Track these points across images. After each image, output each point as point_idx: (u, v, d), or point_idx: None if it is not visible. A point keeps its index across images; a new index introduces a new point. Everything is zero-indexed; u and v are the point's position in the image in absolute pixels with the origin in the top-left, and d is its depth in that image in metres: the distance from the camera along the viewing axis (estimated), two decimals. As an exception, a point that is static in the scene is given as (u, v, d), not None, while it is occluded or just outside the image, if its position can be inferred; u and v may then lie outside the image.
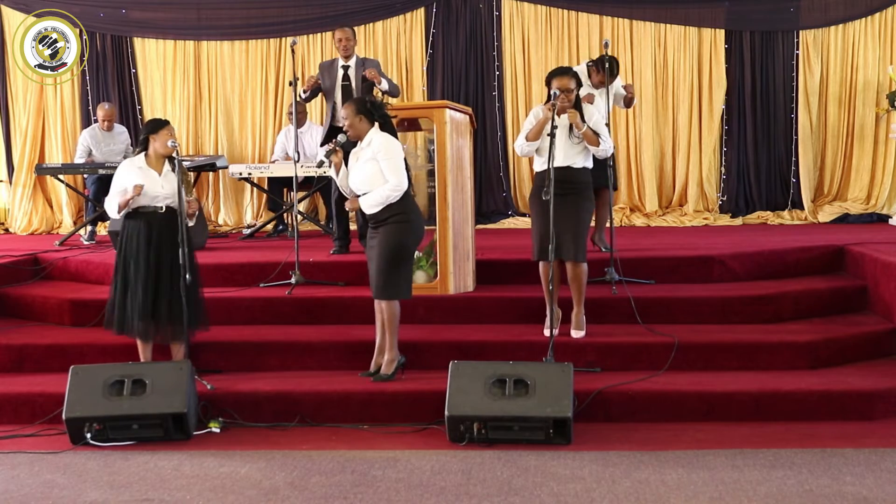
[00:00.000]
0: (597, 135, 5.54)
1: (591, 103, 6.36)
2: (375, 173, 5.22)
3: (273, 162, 9.08)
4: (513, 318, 6.06)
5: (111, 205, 5.40)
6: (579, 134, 5.51)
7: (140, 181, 5.30)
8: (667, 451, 4.58)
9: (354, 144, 5.42)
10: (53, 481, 4.39)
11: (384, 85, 7.02)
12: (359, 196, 5.30)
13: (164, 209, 5.35)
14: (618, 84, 6.98)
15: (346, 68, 7.25)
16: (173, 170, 5.37)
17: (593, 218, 6.38)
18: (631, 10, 9.55)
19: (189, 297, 5.30)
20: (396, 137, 5.34)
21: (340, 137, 5.45)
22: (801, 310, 6.08)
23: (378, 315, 5.38)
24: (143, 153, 5.42)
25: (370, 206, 5.25)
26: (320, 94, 7.46)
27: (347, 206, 5.43)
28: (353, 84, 7.20)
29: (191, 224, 5.41)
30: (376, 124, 5.29)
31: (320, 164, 5.63)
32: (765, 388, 5.12)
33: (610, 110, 6.73)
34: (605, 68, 6.71)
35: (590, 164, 5.69)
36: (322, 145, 7.39)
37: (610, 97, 6.78)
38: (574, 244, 5.55)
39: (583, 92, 6.02)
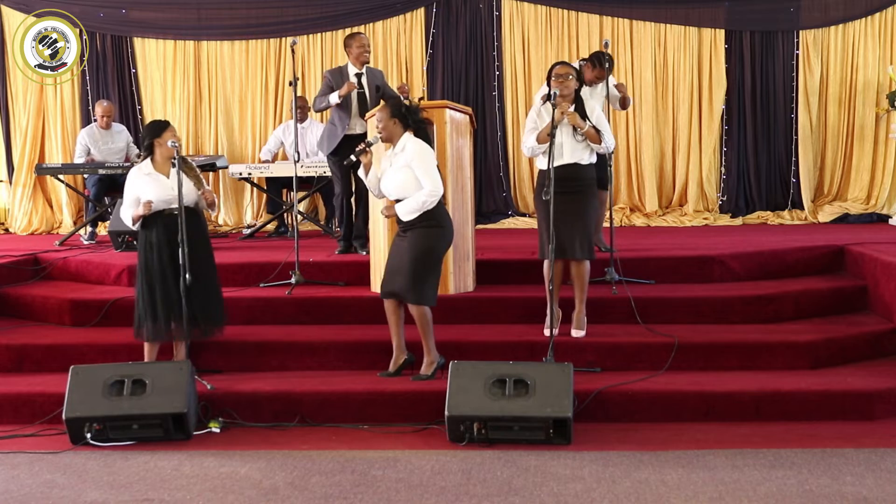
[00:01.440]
0: (598, 132, 5.56)
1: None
2: (408, 180, 5.23)
3: (264, 162, 9.07)
4: (513, 318, 6.06)
5: (127, 216, 5.45)
6: (582, 133, 5.53)
7: (150, 190, 5.34)
8: (667, 451, 4.58)
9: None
10: (53, 481, 4.39)
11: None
12: (393, 201, 5.28)
13: (177, 210, 5.35)
14: (610, 83, 6.97)
15: (359, 76, 7.22)
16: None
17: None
18: (631, 10, 9.55)
19: (214, 294, 5.39)
20: (431, 143, 5.35)
21: (372, 138, 5.47)
22: (802, 310, 6.09)
23: (391, 315, 5.38)
24: (149, 158, 5.45)
25: (407, 213, 5.24)
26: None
27: (383, 212, 5.40)
28: (367, 92, 7.20)
29: (213, 213, 5.43)
30: (410, 130, 5.30)
31: (350, 163, 5.61)
32: (765, 388, 5.12)
33: (609, 111, 6.74)
34: (600, 64, 6.73)
35: (594, 160, 5.70)
36: (334, 154, 7.32)
37: (609, 91, 6.79)
38: (579, 241, 5.56)
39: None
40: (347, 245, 7.33)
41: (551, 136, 5.34)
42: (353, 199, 7.42)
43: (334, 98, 7.13)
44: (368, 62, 7.29)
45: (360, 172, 5.54)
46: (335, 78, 7.27)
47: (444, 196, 5.38)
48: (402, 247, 5.32)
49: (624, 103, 7.02)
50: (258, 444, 4.86)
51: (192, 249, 5.27)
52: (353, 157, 5.49)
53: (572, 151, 5.57)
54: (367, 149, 5.43)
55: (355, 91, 7.16)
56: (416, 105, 5.45)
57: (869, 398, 5.06)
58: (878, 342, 5.77)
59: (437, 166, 5.34)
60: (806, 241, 7.24)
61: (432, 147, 5.36)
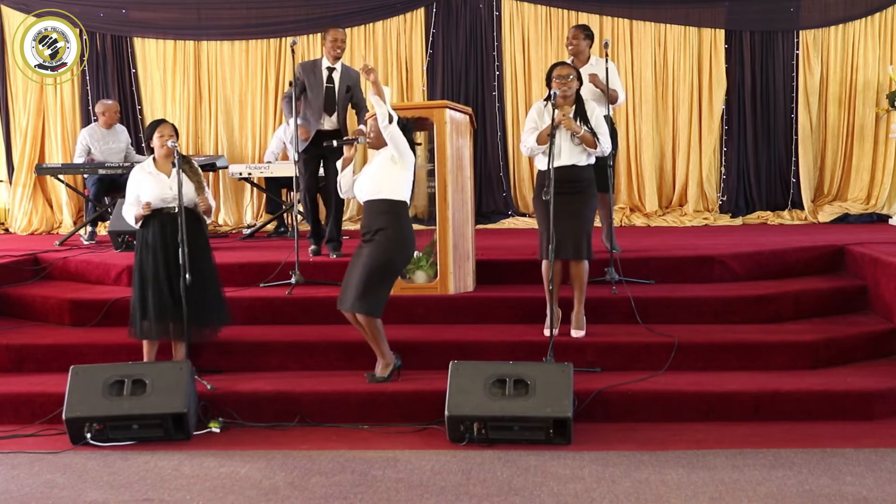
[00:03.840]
0: (594, 136, 5.56)
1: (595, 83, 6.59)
2: (383, 172, 5.24)
3: (268, 163, 9.06)
4: (513, 318, 6.06)
5: (128, 215, 5.47)
6: (577, 137, 5.53)
7: (150, 189, 5.37)
8: (667, 451, 4.58)
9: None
10: (53, 481, 4.39)
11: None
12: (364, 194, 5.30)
13: (175, 210, 5.36)
14: (611, 69, 6.88)
15: (331, 70, 7.16)
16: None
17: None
18: (631, 10, 9.56)
19: (211, 295, 5.39)
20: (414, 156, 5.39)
21: (361, 139, 5.47)
22: (802, 310, 6.09)
23: (356, 325, 5.35)
24: (151, 157, 5.52)
25: (380, 105, 5.17)
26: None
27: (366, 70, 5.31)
28: (337, 88, 7.13)
29: (208, 220, 5.48)
30: None
31: (329, 145, 5.60)
32: (765, 388, 5.12)
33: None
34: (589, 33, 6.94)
35: (593, 161, 5.70)
36: (305, 151, 7.12)
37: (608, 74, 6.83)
38: (577, 242, 5.56)
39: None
40: (319, 244, 7.26)
41: (551, 136, 5.35)
42: (320, 199, 7.35)
43: (292, 122, 7.03)
44: (341, 57, 7.20)
45: (339, 164, 5.53)
46: (306, 72, 7.14)
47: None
48: (360, 256, 5.28)
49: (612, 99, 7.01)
50: (258, 444, 4.86)
51: (189, 250, 5.28)
52: (334, 143, 5.48)
53: (570, 153, 5.57)
54: (355, 143, 5.44)
55: (324, 86, 7.06)
56: (410, 124, 5.42)
57: (869, 398, 5.06)
58: (878, 342, 5.76)
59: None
60: (806, 241, 7.24)
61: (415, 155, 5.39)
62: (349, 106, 7.29)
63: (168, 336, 5.44)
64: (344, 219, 9.52)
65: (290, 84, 7.01)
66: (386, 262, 5.21)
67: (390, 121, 5.16)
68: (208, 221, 5.51)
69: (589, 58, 6.93)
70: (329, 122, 7.15)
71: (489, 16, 9.64)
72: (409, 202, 5.34)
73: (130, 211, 5.45)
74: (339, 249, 7.09)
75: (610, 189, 6.60)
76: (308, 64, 7.34)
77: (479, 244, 6.77)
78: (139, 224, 5.43)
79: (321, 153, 7.06)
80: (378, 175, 5.27)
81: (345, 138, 5.48)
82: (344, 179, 5.48)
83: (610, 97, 6.79)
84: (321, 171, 7.32)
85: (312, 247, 7.29)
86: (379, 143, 5.31)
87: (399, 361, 5.37)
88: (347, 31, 9.51)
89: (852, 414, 5.01)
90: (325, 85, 7.10)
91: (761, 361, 5.48)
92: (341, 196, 5.63)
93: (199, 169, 5.56)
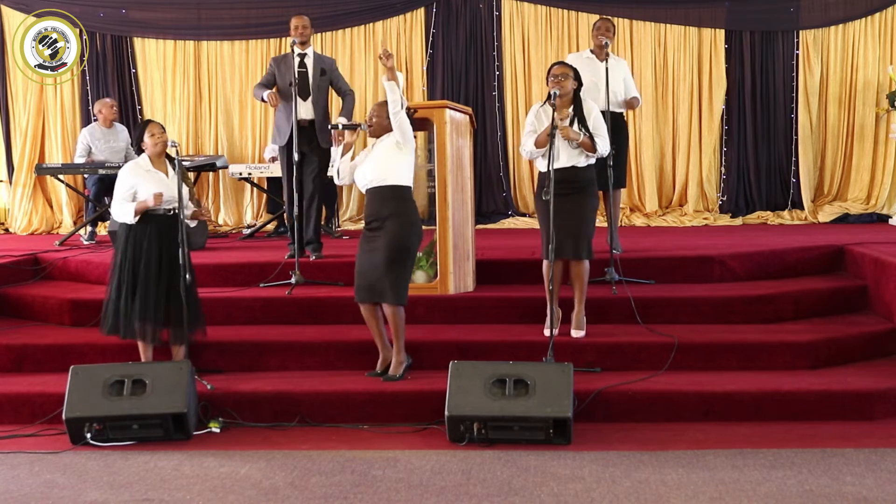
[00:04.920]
0: (592, 138, 5.54)
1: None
2: (390, 157, 5.25)
3: (272, 160, 9.06)
4: (513, 318, 6.06)
5: (125, 210, 5.33)
6: (576, 144, 5.52)
7: (152, 187, 5.30)
8: (667, 451, 4.58)
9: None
10: (53, 481, 4.39)
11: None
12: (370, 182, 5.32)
13: (171, 211, 5.34)
14: (621, 87, 6.89)
15: (302, 56, 7.03)
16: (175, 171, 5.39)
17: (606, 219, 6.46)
18: (631, 10, 9.56)
19: (187, 300, 5.31)
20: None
21: (363, 126, 5.45)
22: (801, 310, 6.09)
23: (371, 319, 5.36)
24: (144, 154, 5.45)
25: (392, 89, 5.23)
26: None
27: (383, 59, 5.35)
28: (310, 72, 7.04)
29: (191, 226, 5.42)
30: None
31: (332, 125, 5.60)
32: (765, 388, 5.12)
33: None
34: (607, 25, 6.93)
35: (593, 161, 5.70)
36: (293, 146, 6.77)
37: (618, 65, 6.83)
38: (576, 242, 5.56)
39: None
40: (300, 249, 6.83)
41: (551, 136, 5.35)
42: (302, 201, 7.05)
43: (263, 95, 6.94)
44: (308, 42, 7.09)
45: (338, 151, 5.51)
46: (277, 64, 7.07)
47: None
48: (374, 246, 5.28)
49: (630, 105, 7.04)
50: (258, 444, 4.86)
51: (168, 251, 5.28)
52: (339, 125, 5.49)
53: (568, 156, 5.56)
54: (359, 128, 5.45)
55: (296, 71, 6.88)
56: (412, 112, 5.45)
57: (869, 398, 5.06)
58: (878, 342, 5.76)
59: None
60: (806, 241, 7.24)
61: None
62: (330, 92, 7.19)
63: (145, 337, 5.37)
64: (343, 219, 9.55)
65: (290, 85, 6.86)
66: (404, 247, 5.25)
67: (401, 107, 5.20)
68: (191, 226, 5.46)
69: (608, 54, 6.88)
70: (305, 109, 6.95)
71: (489, 16, 9.64)
72: (412, 185, 5.37)
73: (125, 207, 5.32)
74: (319, 251, 6.96)
75: (610, 188, 6.59)
76: (279, 57, 7.23)
77: (479, 244, 6.77)
78: (136, 220, 5.30)
79: (300, 151, 6.91)
80: (383, 162, 5.27)
81: (349, 122, 5.46)
82: (343, 166, 5.48)
83: (630, 104, 6.95)
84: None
85: (289, 252, 6.90)
86: (380, 130, 5.32)
87: (410, 360, 5.40)
88: (347, 30, 9.59)
89: (852, 414, 5.01)
90: (297, 70, 6.88)
91: (761, 361, 5.48)
92: (338, 182, 5.58)
93: (188, 174, 5.55)
